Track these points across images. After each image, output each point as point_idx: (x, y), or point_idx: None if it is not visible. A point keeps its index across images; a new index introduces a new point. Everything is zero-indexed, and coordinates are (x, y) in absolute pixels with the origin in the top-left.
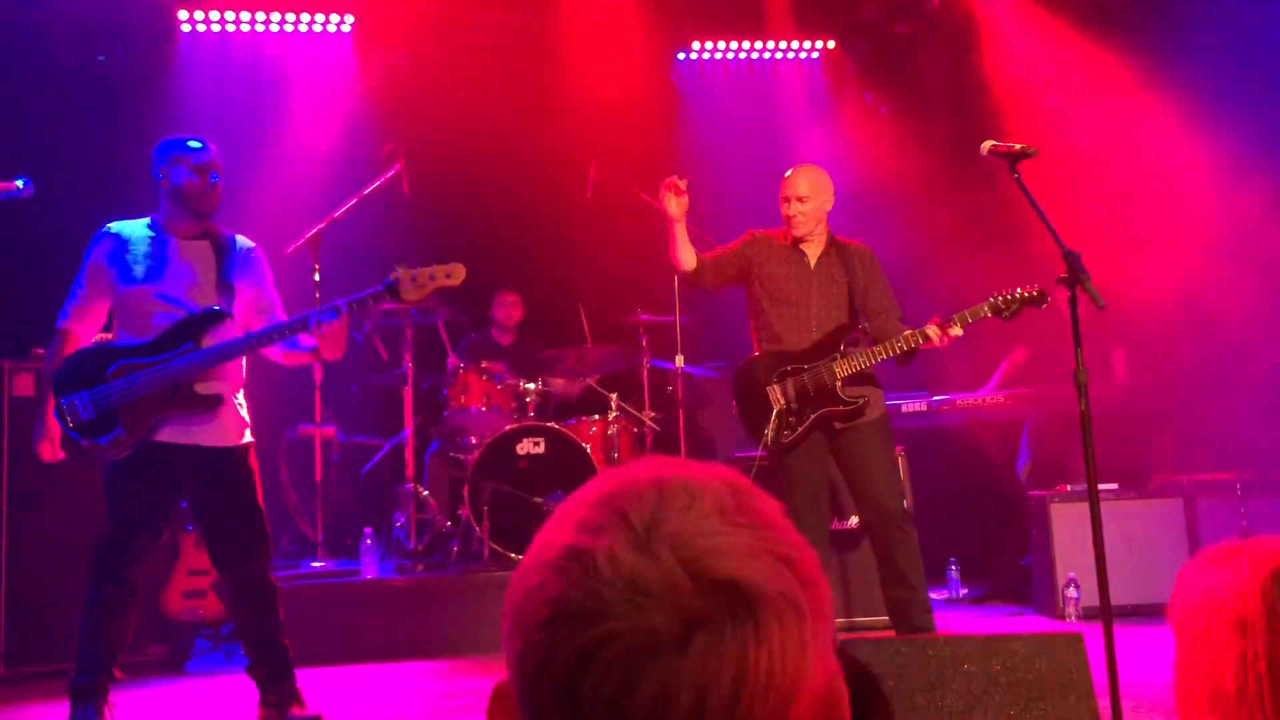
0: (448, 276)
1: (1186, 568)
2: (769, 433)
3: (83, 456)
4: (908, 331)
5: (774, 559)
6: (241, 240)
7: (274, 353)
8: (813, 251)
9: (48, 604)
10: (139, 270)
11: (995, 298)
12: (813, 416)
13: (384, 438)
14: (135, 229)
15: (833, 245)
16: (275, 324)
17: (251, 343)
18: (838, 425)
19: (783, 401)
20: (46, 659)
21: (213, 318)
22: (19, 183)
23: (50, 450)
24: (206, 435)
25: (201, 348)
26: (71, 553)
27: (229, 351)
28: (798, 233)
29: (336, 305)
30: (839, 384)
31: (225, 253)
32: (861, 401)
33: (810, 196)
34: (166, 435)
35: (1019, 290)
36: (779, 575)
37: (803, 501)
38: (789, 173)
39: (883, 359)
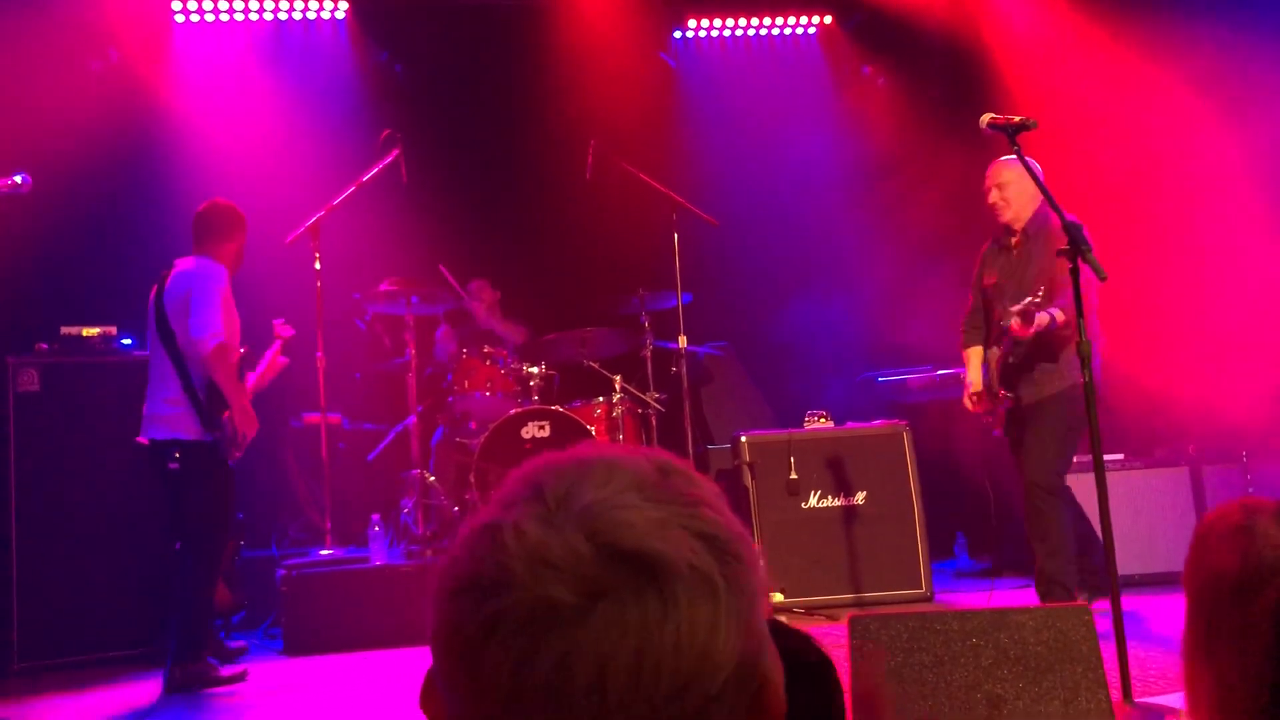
0: None
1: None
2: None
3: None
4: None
5: (689, 534)
6: None
7: None
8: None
9: (59, 598)
10: None
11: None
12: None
13: (389, 424)
14: None
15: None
16: None
17: None
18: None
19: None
20: (60, 653)
21: None
22: (17, 178)
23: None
24: None
25: None
26: (82, 547)
27: None
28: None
29: None
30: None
31: None
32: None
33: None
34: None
35: None
36: (692, 549)
37: (1021, 462)
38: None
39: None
